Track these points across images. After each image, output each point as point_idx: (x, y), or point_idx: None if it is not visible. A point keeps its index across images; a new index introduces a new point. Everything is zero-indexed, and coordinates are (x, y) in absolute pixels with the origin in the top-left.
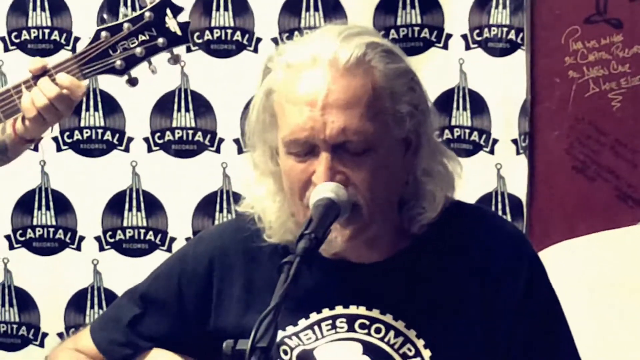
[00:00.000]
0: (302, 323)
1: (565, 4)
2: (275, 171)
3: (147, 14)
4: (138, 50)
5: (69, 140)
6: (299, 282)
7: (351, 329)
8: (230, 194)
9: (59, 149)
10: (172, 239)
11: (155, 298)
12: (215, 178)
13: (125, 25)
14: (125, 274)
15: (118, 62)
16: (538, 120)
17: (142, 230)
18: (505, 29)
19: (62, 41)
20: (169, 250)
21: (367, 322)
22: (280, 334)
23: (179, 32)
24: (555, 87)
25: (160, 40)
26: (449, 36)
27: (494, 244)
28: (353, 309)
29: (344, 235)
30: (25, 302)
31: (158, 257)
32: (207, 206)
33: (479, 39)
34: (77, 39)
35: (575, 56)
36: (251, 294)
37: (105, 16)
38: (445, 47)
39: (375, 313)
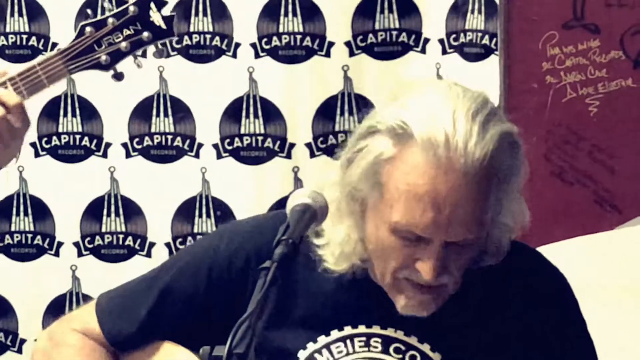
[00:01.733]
0: (335, 334)
1: (542, 9)
2: (355, 212)
3: (132, 8)
4: (123, 44)
5: (47, 146)
6: (338, 293)
7: (385, 350)
8: (210, 198)
9: (37, 155)
10: (152, 244)
11: (179, 291)
12: (195, 183)
13: (110, 20)
14: (104, 279)
15: (103, 57)
16: (515, 126)
17: (121, 236)
18: (480, 34)
19: (40, 47)
20: (148, 255)
21: (403, 348)
22: (311, 346)
23: (163, 26)
24: (532, 93)
25: (145, 34)
26: (426, 40)
27: (537, 284)
28: (390, 332)
29: (429, 310)
30: (3, 308)
31: (137, 263)
32: (186, 211)
33: (456, 43)
34: (54, 45)
35: (553, 61)
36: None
37: (89, 11)
38: (423, 51)
39: (412, 340)
